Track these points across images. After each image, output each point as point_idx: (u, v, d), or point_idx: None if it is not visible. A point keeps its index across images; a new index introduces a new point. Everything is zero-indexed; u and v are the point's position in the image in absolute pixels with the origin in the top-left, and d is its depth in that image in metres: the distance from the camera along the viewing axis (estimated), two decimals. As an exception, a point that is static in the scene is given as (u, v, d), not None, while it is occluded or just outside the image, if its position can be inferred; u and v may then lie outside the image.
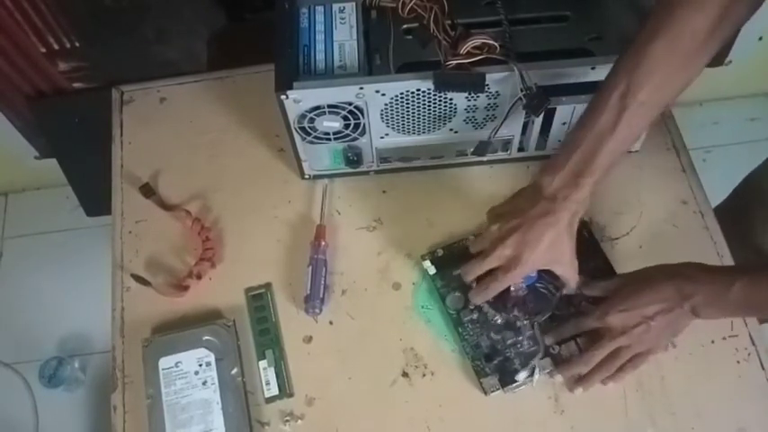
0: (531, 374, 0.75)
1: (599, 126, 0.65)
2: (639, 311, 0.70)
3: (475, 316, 0.78)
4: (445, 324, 0.79)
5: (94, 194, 1.31)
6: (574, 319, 0.76)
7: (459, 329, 0.78)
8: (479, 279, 0.74)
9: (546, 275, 0.76)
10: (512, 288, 0.76)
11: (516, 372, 0.75)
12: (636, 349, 0.73)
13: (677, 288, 0.69)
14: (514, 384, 0.75)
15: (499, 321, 0.77)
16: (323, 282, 0.81)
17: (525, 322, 0.77)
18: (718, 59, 1.40)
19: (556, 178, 0.68)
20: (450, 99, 0.76)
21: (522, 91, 0.73)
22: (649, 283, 0.72)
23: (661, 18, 0.62)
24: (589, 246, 0.82)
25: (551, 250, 0.70)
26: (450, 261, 0.81)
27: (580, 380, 0.75)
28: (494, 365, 0.76)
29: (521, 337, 0.77)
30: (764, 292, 0.67)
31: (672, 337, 0.74)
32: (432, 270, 0.81)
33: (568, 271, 0.74)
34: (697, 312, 0.69)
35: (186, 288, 0.82)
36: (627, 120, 0.64)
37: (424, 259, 0.81)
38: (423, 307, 0.81)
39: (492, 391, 0.75)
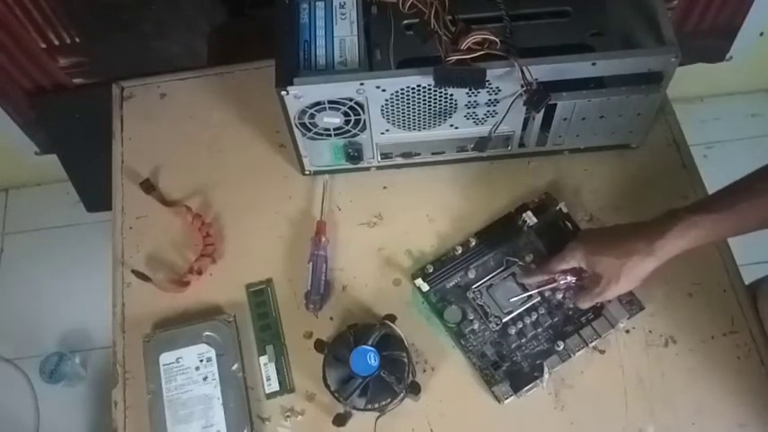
0: (541, 374, 0.74)
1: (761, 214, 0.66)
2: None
3: (475, 326, 0.78)
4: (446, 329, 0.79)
5: (95, 190, 1.31)
6: (581, 293, 0.76)
7: (462, 341, 0.77)
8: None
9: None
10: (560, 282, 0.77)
11: (526, 374, 0.75)
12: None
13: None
14: (526, 388, 0.74)
15: (499, 324, 0.77)
16: (323, 277, 0.81)
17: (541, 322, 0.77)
18: (719, 55, 1.40)
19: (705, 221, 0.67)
20: (451, 95, 0.76)
21: (522, 87, 0.72)
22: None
23: None
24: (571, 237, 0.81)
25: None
26: (441, 275, 0.81)
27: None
28: (503, 372, 0.76)
29: (524, 339, 0.77)
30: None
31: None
32: (425, 287, 0.80)
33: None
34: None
35: (187, 284, 0.82)
36: None
37: (416, 278, 0.80)
38: (423, 303, 0.81)
39: (506, 398, 0.74)
